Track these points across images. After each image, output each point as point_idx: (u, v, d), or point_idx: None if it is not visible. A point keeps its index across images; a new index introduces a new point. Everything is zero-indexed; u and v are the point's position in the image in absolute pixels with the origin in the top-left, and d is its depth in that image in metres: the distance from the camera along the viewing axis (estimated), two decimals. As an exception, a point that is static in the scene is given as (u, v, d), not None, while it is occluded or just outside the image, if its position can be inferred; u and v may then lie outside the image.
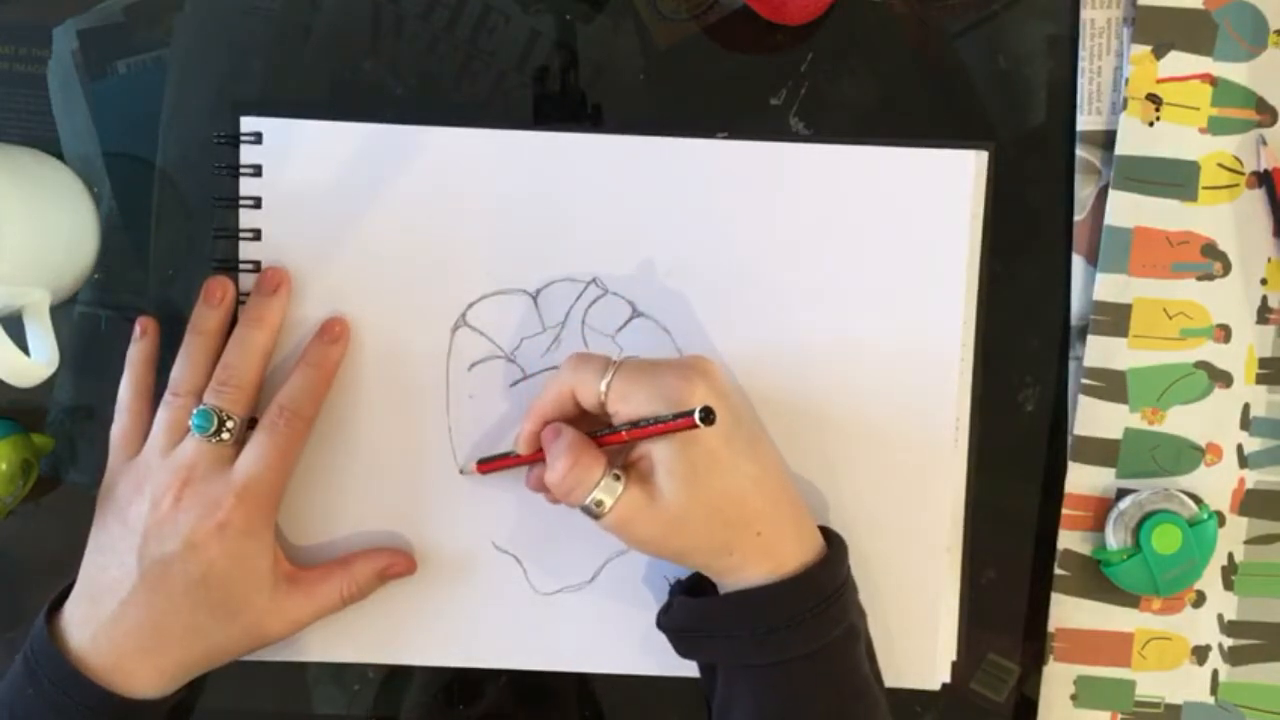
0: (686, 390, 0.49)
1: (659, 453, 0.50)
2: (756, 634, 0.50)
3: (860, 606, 0.54)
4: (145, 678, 0.52)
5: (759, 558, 0.51)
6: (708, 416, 0.47)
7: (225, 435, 0.53)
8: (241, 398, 0.54)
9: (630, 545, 0.51)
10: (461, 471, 0.58)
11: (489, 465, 0.56)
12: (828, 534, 0.54)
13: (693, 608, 0.53)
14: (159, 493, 0.53)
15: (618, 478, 0.50)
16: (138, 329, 0.57)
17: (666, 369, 0.51)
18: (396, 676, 0.60)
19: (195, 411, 0.53)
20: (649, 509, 0.50)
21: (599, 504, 0.50)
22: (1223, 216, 0.57)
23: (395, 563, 0.57)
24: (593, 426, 0.52)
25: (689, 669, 0.57)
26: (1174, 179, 0.57)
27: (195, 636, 0.52)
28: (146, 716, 0.53)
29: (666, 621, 0.54)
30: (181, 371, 0.55)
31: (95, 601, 0.52)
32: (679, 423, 0.48)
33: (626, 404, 0.50)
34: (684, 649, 0.53)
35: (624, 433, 0.50)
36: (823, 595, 0.50)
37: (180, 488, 0.52)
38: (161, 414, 0.55)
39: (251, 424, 0.55)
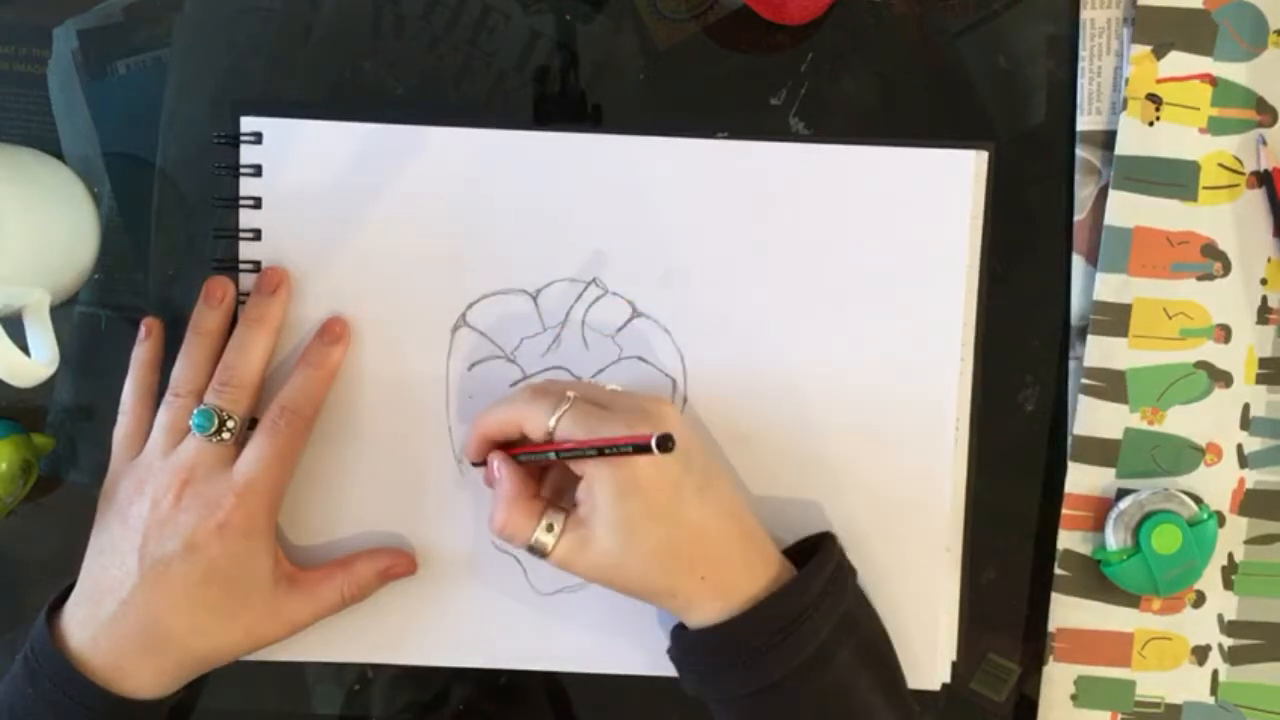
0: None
1: (599, 498, 0.50)
2: (716, 669, 0.51)
3: (852, 618, 0.53)
4: (145, 678, 0.52)
5: (706, 598, 0.51)
6: (665, 445, 0.46)
7: (226, 435, 0.53)
8: (242, 397, 0.54)
9: (581, 579, 0.52)
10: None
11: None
12: (815, 545, 0.54)
13: (674, 643, 0.54)
14: (159, 493, 0.53)
15: (551, 527, 0.51)
16: (143, 330, 0.57)
17: (613, 419, 0.50)
18: (396, 676, 0.60)
19: (196, 411, 0.53)
20: (585, 553, 0.50)
21: (539, 547, 0.51)
22: (1223, 216, 0.57)
23: (397, 564, 0.57)
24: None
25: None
26: (1174, 179, 0.57)
27: (196, 637, 0.52)
28: (146, 717, 0.53)
29: (669, 653, 0.54)
30: (182, 372, 0.55)
31: (96, 602, 0.52)
32: (627, 447, 0.47)
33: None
34: (681, 680, 0.54)
35: (554, 455, 0.50)
36: (778, 626, 0.50)
37: (180, 488, 0.52)
38: (162, 414, 0.55)
39: (253, 424, 0.55)
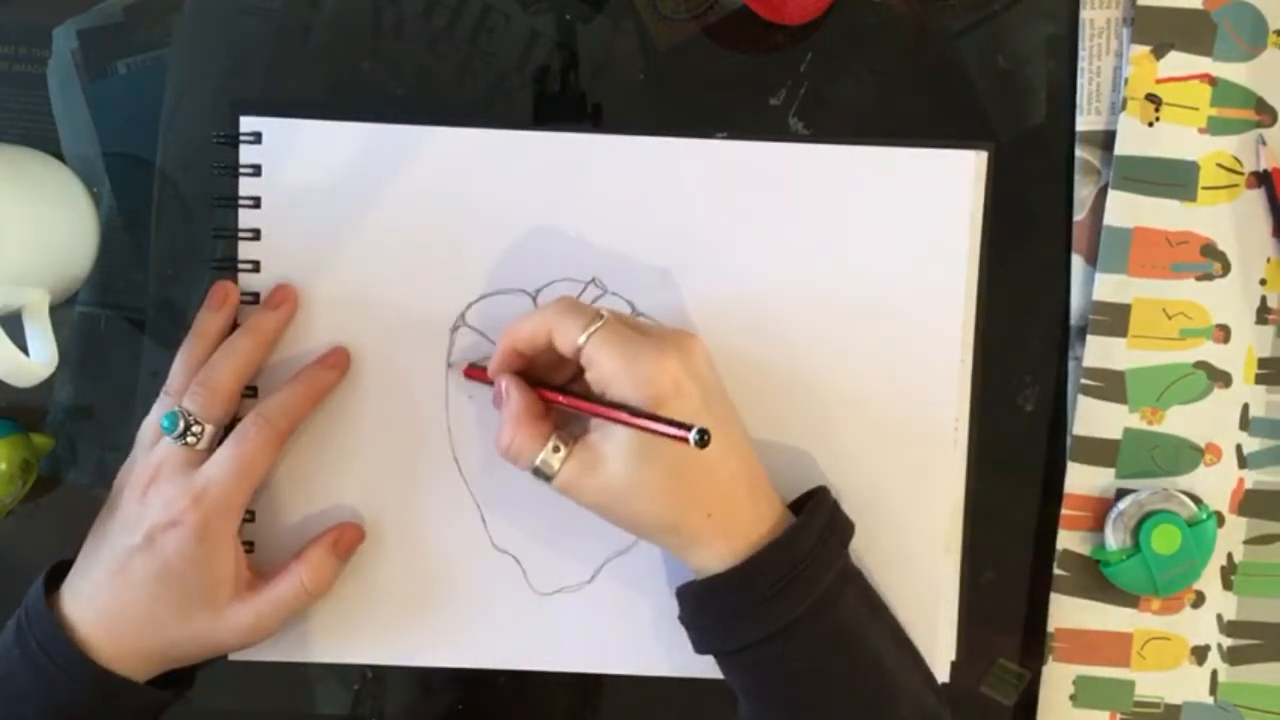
0: (657, 368, 0.49)
1: (615, 425, 0.50)
2: (724, 619, 0.51)
3: (853, 569, 0.53)
4: (118, 658, 0.52)
5: (709, 539, 0.51)
6: (702, 439, 0.46)
7: (191, 439, 0.53)
8: (214, 401, 0.54)
9: (583, 507, 0.52)
10: (450, 366, 0.57)
11: (474, 373, 0.56)
12: (811, 496, 0.54)
13: (681, 602, 0.54)
14: (134, 486, 0.53)
15: (557, 449, 0.51)
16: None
17: (645, 341, 0.50)
18: (397, 676, 0.60)
19: (164, 413, 0.53)
20: (593, 479, 0.50)
21: (544, 468, 0.51)
22: (1222, 216, 0.57)
23: (342, 534, 0.56)
24: (565, 369, 0.53)
25: (688, 669, 0.57)
26: (1173, 179, 0.57)
27: (153, 628, 0.52)
28: (128, 696, 0.52)
29: (680, 617, 0.54)
30: (175, 371, 0.55)
31: (82, 577, 0.53)
32: (665, 429, 0.47)
33: (595, 368, 0.50)
34: (694, 645, 0.54)
35: (591, 405, 0.50)
36: (779, 575, 0.50)
37: (148, 484, 0.53)
38: (155, 409, 0.55)
39: None
